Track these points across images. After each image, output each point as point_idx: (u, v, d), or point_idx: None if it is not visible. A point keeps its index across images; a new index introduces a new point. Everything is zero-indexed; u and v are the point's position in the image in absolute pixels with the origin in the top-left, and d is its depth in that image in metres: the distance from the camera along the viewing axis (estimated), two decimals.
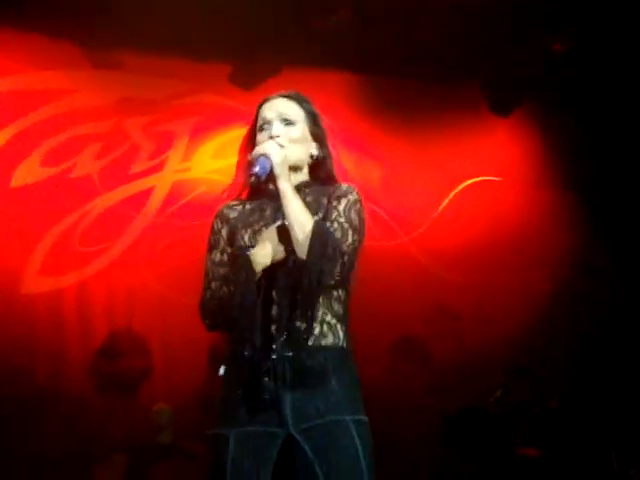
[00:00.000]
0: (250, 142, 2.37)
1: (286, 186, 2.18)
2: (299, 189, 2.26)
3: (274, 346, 2.13)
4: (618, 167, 6.22)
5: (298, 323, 2.15)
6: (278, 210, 2.22)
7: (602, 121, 6.20)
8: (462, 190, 6.35)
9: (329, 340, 2.18)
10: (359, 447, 2.11)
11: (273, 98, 2.37)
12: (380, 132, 6.14)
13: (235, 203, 2.37)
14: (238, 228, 2.28)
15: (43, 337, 5.55)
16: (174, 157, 6.03)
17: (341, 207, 2.24)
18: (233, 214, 2.33)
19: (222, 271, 2.26)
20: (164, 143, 5.99)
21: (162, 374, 5.64)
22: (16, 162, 5.61)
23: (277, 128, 2.30)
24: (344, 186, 2.31)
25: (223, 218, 2.34)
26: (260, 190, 2.32)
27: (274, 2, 5.33)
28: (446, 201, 6.30)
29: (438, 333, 5.90)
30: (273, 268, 2.16)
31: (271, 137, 2.27)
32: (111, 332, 5.63)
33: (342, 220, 2.21)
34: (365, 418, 2.19)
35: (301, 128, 2.33)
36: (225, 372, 2.23)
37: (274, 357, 2.13)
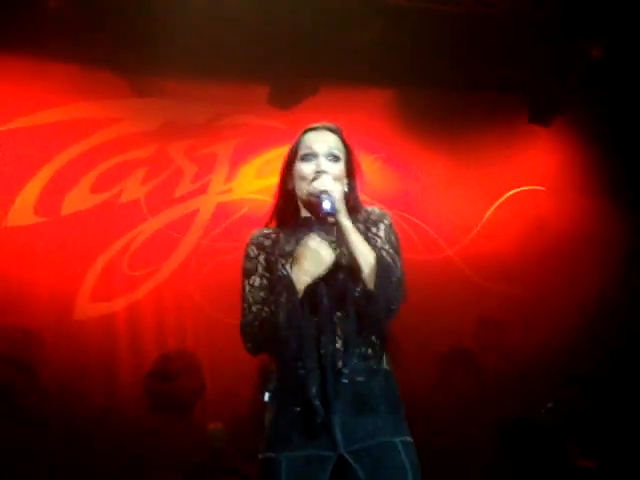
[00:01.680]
0: (289, 168, 2.40)
1: (346, 221, 2.22)
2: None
3: (325, 367, 2.16)
4: None
5: (357, 348, 2.19)
6: (311, 234, 2.25)
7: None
8: (505, 200, 6.33)
9: (375, 363, 2.23)
10: (408, 468, 2.17)
11: (320, 129, 2.41)
12: (421, 146, 6.15)
13: (268, 231, 2.40)
14: (276, 257, 2.30)
15: (96, 361, 5.65)
16: (217, 179, 6.11)
17: (382, 234, 2.31)
18: (267, 242, 2.36)
19: (262, 294, 2.28)
20: (206, 166, 6.08)
21: (214, 394, 5.69)
22: (66, 190, 5.75)
23: (325, 164, 2.34)
24: (377, 210, 2.38)
25: (259, 245, 2.36)
26: (289, 218, 2.39)
27: (310, 23, 5.39)
28: (489, 212, 6.28)
29: (485, 344, 5.86)
30: (315, 289, 2.19)
31: (318, 172, 2.31)
32: (162, 354, 5.70)
33: (387, 247, 2.28)
34: (411, 439, 2.23)
35: (343, 165, 2.38)
36: (271, 397, 2.27)
37: (327, 378, 2.16)
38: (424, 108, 6.08)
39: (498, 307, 5.90)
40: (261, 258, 2.33)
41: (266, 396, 2.28)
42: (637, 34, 5.58)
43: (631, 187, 6.15)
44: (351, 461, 2.15)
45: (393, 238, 2.32)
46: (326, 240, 2.21)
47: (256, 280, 2.31)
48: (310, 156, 2.36)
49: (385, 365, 2.26)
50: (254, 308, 2.26)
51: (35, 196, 5.67)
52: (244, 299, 2.31)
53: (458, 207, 6.08)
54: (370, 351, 2.22)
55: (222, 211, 6.03)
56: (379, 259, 2.19)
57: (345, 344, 2.18)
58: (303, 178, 2.34)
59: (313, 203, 2.29)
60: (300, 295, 2.16)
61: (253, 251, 2.36)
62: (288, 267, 2.21)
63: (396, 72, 5.77)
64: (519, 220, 6.21)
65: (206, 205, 6.07)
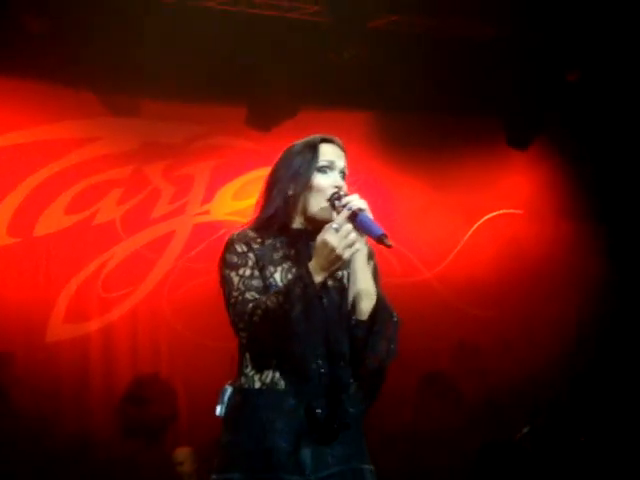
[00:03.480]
0: (296, 175, 2.22)
1: (364, 259, 2.17)
2: None
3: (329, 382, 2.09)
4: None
5: (352, 382, 2.13)
6: (300, 247, 2.17)
7: (619, 149, 6.17)
8: (483, 224, 6.34)
9: (358, 395, 2.15)
10: None
11: (335, 144, 2.28)
12: (399, 169, 6.15)
13: (252, 233, 2.21)
14: (265, 263, 2.15)
15: (69, 384, 5.57)
16: (194, 200, 6.07)
17: (372, 271, 2.21)
18: (255, 245, 2.18)
19: (255, 283, 2.11)
20: (184, 187, 6.04)
21: (188, 418, 5.61)
22: (40, 211, 5.68)
23: (341, 181, 2.22)
24: (367, 246, 2.22)
25: (247, 244, 2.17)
26: (277, 226, 2.23)
27: (287, 44, 5.39)
28: (467, 235, 6.28)
29: (463, 368, 5.84)
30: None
31: (336, 187, 2.18)
32: (136, 378, 5.63)
33: (377, 286, 2.20)
34: (373, 467, 2.19)
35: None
36: (227, 411, 2.13)
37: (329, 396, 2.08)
38: (402, 132, 6.09)
39: (476, 330, 5.89)
40: (250, 255, 2.16)
41: (218, 409, 2.15)
42: (613, 59, 5.64)
43: (609, 210, 6.19)
44: None
45: (378, 278, 2.24)
46: (345, 228, 2.04)
47: (247, 271, 2.13)
48: (328, 169, 2.22)
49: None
50: (249, 295, 2.09)
51: (8, 217, 5.60)
52: (233, 288, 2.12)
53: (436, 230, 6.08)
54: (361, 384, 2.15)
55: (199, 232, 5.98)
56: (379, 297, 2.15)
57: (341, 367, 2.11)
58: (319, 192, 2.18)
59: (318, 218, 2.16)
60: (316, 290, 2.03)
61: (241, 247, 2.17)
62: (278, 275, 2.12)
63: (375, 95, 5.79)
64: (497, 243, 6.22)
65: (183, 226, 6.02)
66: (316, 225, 2.17)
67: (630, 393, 5.77)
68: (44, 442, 5.25)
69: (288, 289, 2.03)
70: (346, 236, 2.03)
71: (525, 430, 4.60)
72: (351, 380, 2.12)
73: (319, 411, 2.07)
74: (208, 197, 6.08)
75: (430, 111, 6.07)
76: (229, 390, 2.17)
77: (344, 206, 2.10)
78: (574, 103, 5.93)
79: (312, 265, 2.04)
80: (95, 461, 5.28)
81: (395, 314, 2.18)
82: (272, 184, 2.27)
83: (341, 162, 2.25)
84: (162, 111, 5.93)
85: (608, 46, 5.58)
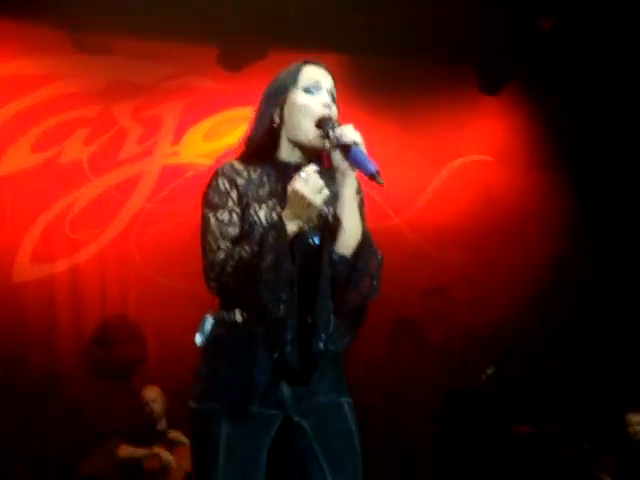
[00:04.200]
0: (278, 99, 2.16)
1: (353, 194, 2.12)
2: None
3: (291, 326, 2.05)
4: (611, 143, 6.22)
5: (325, 313, 2.08)
6: (288, 183, 2.07)
7: (593, 97, 6.18)
8: (453, 170, 6.34)
9: (338, 332, 2.12)
10: (353, 429, 2.14)
11: (320, 66, 2.21)
12: (368, 113, 6.08)
13: (238, 165, 2.16)
14: (249, 199, 2.11)
15: (36, 324, 5.55)
16: (163, 141, 5.99)
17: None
18: (240, 180, 2.13)
19: (231, 231, 2.08)
20: (152, 127, 5.95)
21: (156, 359, 5.64)
22: (4, 149, 5.58)
23: (329, 100, 2.15)
24: (355, 181, 2.17)
25: (230, 180, 2.13)
26: (259, 151, 2.18)
27: None
28: (437, 181, 6.29)
29: (432, 313, 5.91)
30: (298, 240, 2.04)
31: (325, 105, 2.13)
32: (104, 320, 5.63)
33: (363, 222, 2.16)
34: (351, 400, 2.19)
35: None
36: (207, 342, 2.13)
37: (290, 337, 2.05)
38: (374, 76, 6.03)
39: (445, 276, 5.94)
40: (233, 194, 2.11)
41: (198, 338, 2.14)
42: (587, 6, 5.61)
43: (579, 158, 6.22)
44: (297, 419, 2.09)
45: (364, 213, 2.21)
46: (314, 175, 2.00)
47: (225, 214, 2.09)
48: (315, 90, 2.15)
49: None
50: (222, 244, 2.07)
51: None
52: (208, 232, 2.09)
53: (407, 176, 6.07)
54: (343, 321, 2.11)
55: (168, 174, 5.92)
56: (364, 234, 2.12)
57: (321, 306, 2.07)
58: (305, 112, 2.12)
59: (309, 147, 2.13)
60: (289, 238, 2.00)
61: (224, 184, 2.12)
62: (264, 218, 2.08)
63: (347, 39, 5.71)
64: (467, 190, 6.24)
65: (151, 168, 5.95)
66: (305, 152, 2.15)
67: (598, 336, 5.90)
68: (11, 383, 5.26)
69: (261, 239, 2.01)
70: (315, 182, 2.00)
71: (489, 371, 4.68)
72: (332, 317, 2.09)
73: (276, 355, 2.05)
74: (177, 138, 5.99)
75: (402, 56, 6.01)
76: (210, 320, 2.15)
77: (337, 138, 2.06)
78: (547, 50, 5.90)
79: (286, 213, 2.02)
80: (64, 401, 5.31)
81: (379, 251, 2.14)
82: (258, 111, 2.21)
83: (328, 83, 2.19)
84: (132, 50, 5.80)
85: None
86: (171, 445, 4.86)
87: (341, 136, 2.07)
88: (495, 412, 5.42)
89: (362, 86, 5.96)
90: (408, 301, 5.68)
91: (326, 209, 2.12)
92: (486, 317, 5.66)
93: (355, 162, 2.05)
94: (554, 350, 5.82)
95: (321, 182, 2.01)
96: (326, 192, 2.02)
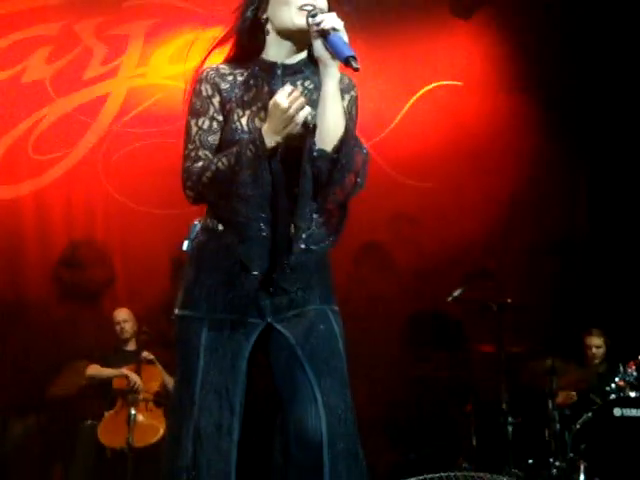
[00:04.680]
0: None
1: (337, 82, 2.02)
2: (300, 69, 2.14)
3: (274, 229, 2.04)
4: (580, 68, 6.21)
5: (314, 213, 2.05)
6: (274, 86, 2.08)
7: (563, 22, 6.13)
8: (422, 95, 6.28)
9: (332, 233, 2.10)
10: (338, 334, 2.15)
11: None
12: None
13: (224, 69, 2.14)
14: (232, 105, 2.09)
15: (1, 247, 5.49)
16: (129, 62, 5.86)
17: (345, 103, 2.12)
18: (224, 85, 2.11)
19: (211, 139, 2.08)
20: (118, 47, 5.80)
21: (124, 282, 5.64)
22: None
23: None
24: (345, 79, 2.16)
25: (213, 85, 2.11)
26: (246, 52, 2.15)
27: None
28: (407, 106, 6.24)
29: (400, 238, 5.95)
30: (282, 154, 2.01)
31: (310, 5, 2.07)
32: (71, 242, 5.59)
33: (347, 118, 2.08)
34: (338, 309, 2.20)
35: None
36: (191, 248, 2.13)
37: (277, 247, 2.04)
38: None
39: (413, 202, 5.95)
40: (215, 100, 2.10)
41: (185, 245, 2.15)
42: None
43: (549, 83, 6.20)
44: (280, 328, 2.10)
45: (354, 113, 2.15)
46: (298, 91, 1.98)
47: (205, 122, 2.09)
48: None
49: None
50: (201, 153, 2.06)
51: None
52: (189, 139, 2.09)
53: (376, 101, 6.01)
54: (326, 220, 2.07)
55: (134, 96, 5.81)
56: (348, 129, 2.03)
57: (302, 205, 2.03)
58: (288, 3, 2.08)
59: (295, 35, 2.08)
60: (268, 153, 1.98)
61: (207, 90, 2.10)
62: (246, 125, 2.05)
63: None
64: (436, 115, 6.20)
65: (117, 89, 5.83)
66: (294, 44, 2.10)
67: (559, 259, 6.01)
68: None
69: (239, 152, 1.99)
70: (297, 98, 1.97)
71: (455, 293, 4.76)
72: (314, 216, 2.06)
73: (254, 274, 2.05)
74: (143, 59, 5.86)
75: None
76: (197, 226, 2.16)
77: (318, 25, 2.01)
78: None
79: (265, 128, 1.99)
80: (32, 324, 5.31)
81: (365, 147, 2.08)
82: (242, 8, 2.17)
83: None
84: None
85: None
86: (141, 365, 4.91)
87: (320, 22, 2.02)
88: (458, 333, 5.54)
89: (330, 9, 5.84)
90: (375, 226, 5.70)
91: (310, 116, 2.05)
92: (454, 241, 5.71)
93: (332, 48, 1.99)
94: (521, 271, 5.93)
95: (303, 99, 1.98)
96: (308, 109, 1.99)
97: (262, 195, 2.01)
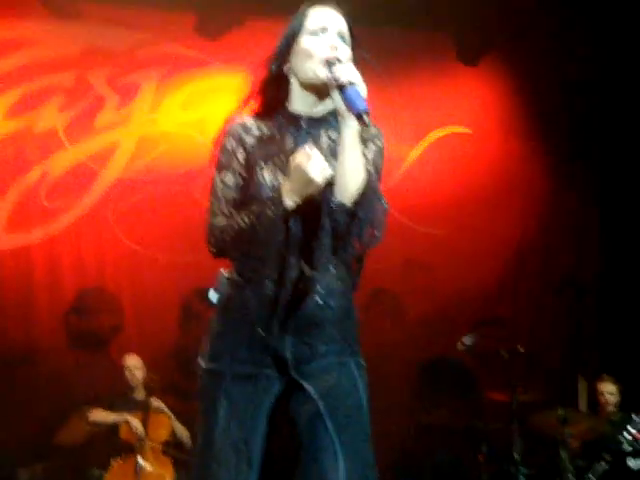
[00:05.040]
0: (287, 45, 2.15)
1: (355, 133, 1.99)
2: (325, 119, 2.13)
3: (289, 286, 2.03)
4: (587, 114, 6.24)
5: (330, 265, 2.05)
6: (299, 138, 2.10)
7: (570, 69, 6.18)
8: (431, 142, 6.33)
9: (340, 285, 2.10)
10: (360, 387, 2.12)
11: (327, 6, 2.17)
12: None
13: (250, 123, 2.15)
14: (257, 159, 2.10)
15: (12, 294, 5.50)
16: (140, 109, 5.92)
17: (370, 155, 2.12)
18: (249, 139, 2.12)
19: (235, 195, 2.09)
20: (129, 95, 5.87)
21: (133, 329, 5.63)
22: None
23: (337, 40, 2.10)
24: (373, 128, 2.15)
25: (238, 140, 2.12)
26: (272, 104, 2.15)
27: None
28: (416, 153, 6.27)
29: (410, 285, 5.93)
30: (299, 207, 1.99)
31: (332, 47, 2.08)
32: (81, 289, 5.60)
33: (371, 169, 2.08)
34: (364, 362, 2.17)
35: (350, 49, 2.15)
36: (219, 300, 2.13)
37: (289, 298, 2.03)
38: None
39: (423, 248, 5.94)
40: (239, 154, 2.11)
41: (212, 295, 2.15)
42: None
43: (557, 129, 6.23)
44: (302, 381, 2.08)
45: (380, 163, 2.15)
46: (319, 153, 1.97)
47: (230, 177, 2.10)
48: (320, 32, 2.10)
49: (349, 288, 2.14)
50: (225, 209, 2.08)
51: None
52: (214, 194, 2.11)
53: (385, 147, 6.05)
54: (344, 273, 2.08)
55: (145, 144, 5.86)
56: (369, 180, 2.01)
57: (319, 259, 2.04)
58: (311, 55, 2.08)
59: (318, 88, 2.08)
60: (287, 214, 1.99)
61: (231, 144, 2.12)
62: (269, 179, 2.05)
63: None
64: (445, 161, 6.23)
65: (128, 137, 5.88)
66: (318, 96, 2.10)
67: (570, 304, 5.96)
68: None
69: (259, 211, 2.00)
70: (318, 160, 1.96)
71: (466, 341, 4.71)
72: (332, 268, 2.06)
73: (264, 338, 2.05)
74: (155, 107, 5.93)
75: (382, 25, 5.96)
76: (223, 277, 2.16)
77: (335, 78, 2.01)
78: (526, 20, 5.89)
79: (286, 188, 1.99)
80: (42, 371, 5.30)
81: (384, 200, 2.07)
82: (268, 63, 2.18)
83: (337, 24, 2.14)
84: (107, 15, 5.70)
85: None
86: (149, 413, 4.87)
87: (339, 75, 2.01)
88: (470, 381, 5.48)
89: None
90: (386, 273, 5.69)
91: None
92: (465, 287, 5.69)
93: (347, 101, 1.97)
94: (532, 316, 5.88)
95: (324, 162, 1.96)
96: (329, 171, 1.97)
97: (278, 254, 2.01)
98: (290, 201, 1.98)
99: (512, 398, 4.65)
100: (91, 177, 5.75)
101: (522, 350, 4.71)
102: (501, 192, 6.08)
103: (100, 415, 4.89)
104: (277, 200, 1.99)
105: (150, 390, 4.98)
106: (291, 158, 1.99)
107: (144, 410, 4.88)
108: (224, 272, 2.16)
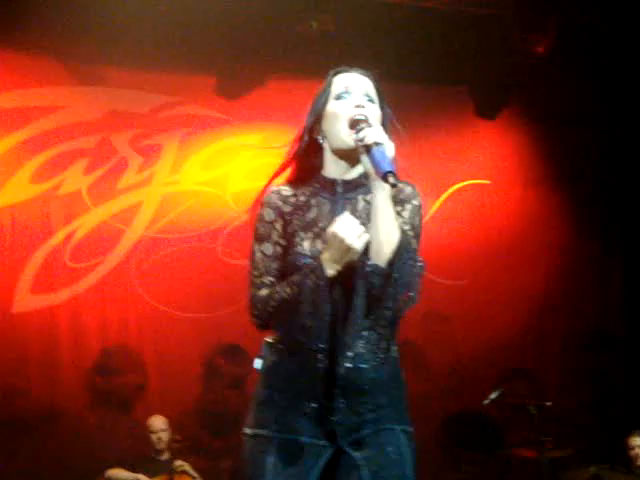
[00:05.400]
0: (317, 113, 2.16)
1: (385, 194, 1.99)
2: (360, 182, 2.12)
3: (338, 357, 2.02)
4: (605, 160, 6.25)
5: (364, 331, 2.05)
6: (335, 203, 2.11)
7: (586, 117, 6.22)
8: (451, 194, 6.36)
9: (382, 350, 2.10)
10: (406, 454, 2.09)
11: (352, 72, 2.20)
12: None
13: (286, 190, 2.16)
14: (295, 227, 2.11)
15: (37, 355, 5.53)
16: (162, 170, 6.01)
17: (406, 214, 2.12)
18: (286, 208, 2.13)
19: (275, 265, 2.11)
20: (151, 156, 5.97)
21: (157, 389, 5.62)
22: (4, 180, 5.60)
23: (363, 99, 2.12)
24: (408, 188, 2.16)
25: (276, 210, 2.13)
26: (307, 171, 2.17)
27: (256, 13, 5.34)
28: (436, 206, 6.30)
29: (432, 336, 5.89)
30: (341, 275, 1.99)
31: (357, 106, 2.10)
32: (104, 348, 5.61)
33: (409, 230, 2.09)
34: (411, 429, 2.15)
35: (378, 109, 2.16)
36: (265, 368, 2.12)
37: (338, 369, 2.03)
38: None
39: (445, 300, 5.92)
40: (277, 225, 2.12)
41: (257, 363, 2.14)
42: (581, 30, 5.67)
43: (576, 178, 6.25)
44: (350, 451, 2.06)
45: (417, 222, 2.14)
46: (354, 219, 1.97)
47: (269, 248, 2.11)
48: (346, 94, 2.14)
49: (393, 353, 2.14)
50: (266, 280, 2.09)
51: None
52: (254, 266, 2.12)
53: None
54: (377, 336, 2.07)
55: (167, 203, 5.93)
56: (403, 240, 2.00)
57: (353, 322, 2.02)
58: (337, 117, 2.10)
59: (349, 153, 2.09)
60: (329, 283, 1.98)
61: (269, 215, 2.13)
62: (309, 249, 2.06)
63: (343, 64, 5.75)
64: (465, 213, 6.25)
65: (151, 196, 5.96)
66: (350, 162, 2.11)
67: (596, 356, 5.88)
68: (12, 413, 5.24)
69: (300, 281, 2.00)
70: (354, 226, 1.96)
71: (493, 396, 4.65)
72: (365, 332, 2.05)
73: (311, 407, 2.04)
74: (177, 167, 6.02)
75: (399, 81, 6.04)
76: (269, 345, 2.15)
77: (361, 140, 2.02)
78: (542, 73, 5.95)
79: (325, 256, 1.99)
80: (66, 431, 5.28)
81: (420, 259, 2.06)
82: (299, 132, 2.20)
83: (362, 86, 2.16)
84: (129, 80, 5.85)
85: (578, 18, 5.61)
86: (174, 476, 4.82)
87: (363, 136, 2.02)
88: (497, 436, 5.39)
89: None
90: (408, 325, 5.66)
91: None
92: (488, 339, 5.64)
93: (373, 162, 1.98)
94: (558, 369, 5.80)
95: (361, 227, 1.97)
96: (366, 236, 1.97)
97: (321, 326, 2.00)
98: (331, 269, 1.98)
99: (541, 454, 4.55)
100: (114, 237, 5.81)
101: (549, 404, 4.64)
102: (522, 242, 6.06)
103: (114, 473, 4.84)
104: (318, 269, 1.99)
105: (174, 451, 4.93)
106: (328, 227, 2.00)
107: (169, 473, 4.83)
108: (268, 339, 2.16)
